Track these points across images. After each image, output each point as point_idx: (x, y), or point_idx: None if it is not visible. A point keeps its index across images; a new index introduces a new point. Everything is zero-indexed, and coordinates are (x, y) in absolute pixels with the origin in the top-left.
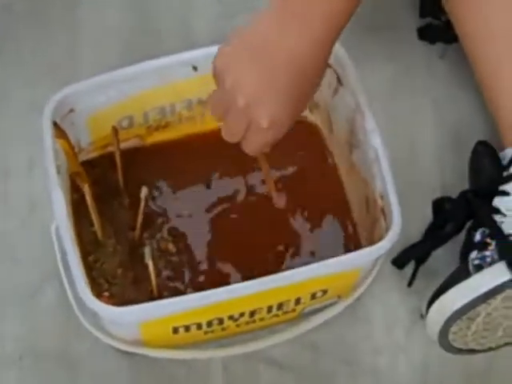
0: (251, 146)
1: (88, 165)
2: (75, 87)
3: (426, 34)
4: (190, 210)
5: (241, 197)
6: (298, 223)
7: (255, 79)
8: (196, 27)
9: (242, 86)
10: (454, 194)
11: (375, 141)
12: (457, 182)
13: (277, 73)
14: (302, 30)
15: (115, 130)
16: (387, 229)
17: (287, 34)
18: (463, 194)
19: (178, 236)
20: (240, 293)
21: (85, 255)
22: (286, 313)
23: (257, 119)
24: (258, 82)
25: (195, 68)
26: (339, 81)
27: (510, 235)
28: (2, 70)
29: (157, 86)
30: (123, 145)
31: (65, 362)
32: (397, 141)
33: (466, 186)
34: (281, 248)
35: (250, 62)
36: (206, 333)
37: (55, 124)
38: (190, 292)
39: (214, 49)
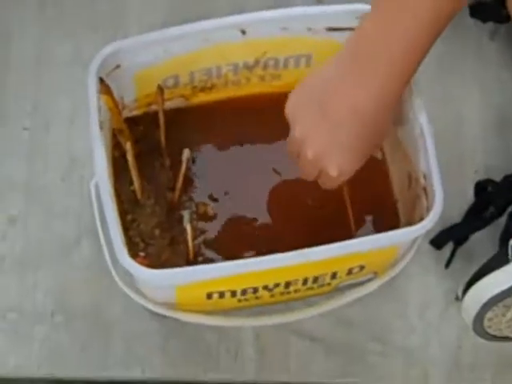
0: (325, 186)
1: (131, 122)
2: (122, 44)
3: (478, 12)
4: (231, 174)
5: (284, 164)
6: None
7: (321, 133)
8: None
9: (309, 139)
10: (498, 177)
11: (422, 118)
12: (501, 165)
13: (342, 127)
14: (367, 84)
15: (161, 89)
16: (428, 208)
17: (352, 81)
18: (507, 177)
19: (217, 200)
20: (276, 264)
21: (123, 214)
22: (321, 286)
23: (326, 169)
24: (324, 136)
25: (243, 32)
26: None
27: None
28: (47, 23)
29: (204, 48)
30: (167, 104)
31: (96, 321)
32: (442, 120)
33: (510, 169)
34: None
35: (316, 114)
36: (239, 301)
37: (101, 80)
38: (226, 259)
39: (262, 14)
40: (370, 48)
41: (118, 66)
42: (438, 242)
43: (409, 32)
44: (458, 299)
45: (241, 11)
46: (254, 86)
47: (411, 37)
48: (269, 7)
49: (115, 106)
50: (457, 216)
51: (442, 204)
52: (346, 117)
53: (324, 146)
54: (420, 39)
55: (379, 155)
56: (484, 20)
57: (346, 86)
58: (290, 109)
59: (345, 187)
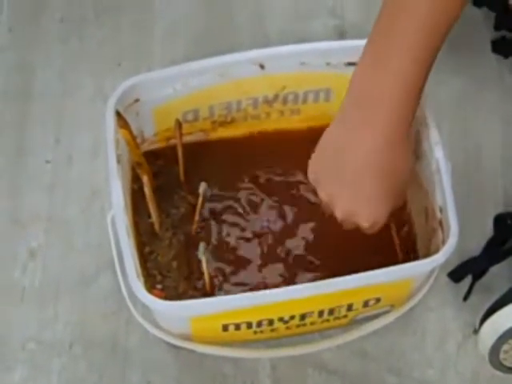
0: (368, 232)
1: (151, 155)
2: (141, 78)
3: (500, 48)
4: (250, 208)
5: (303, 199)
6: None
7: (344, 192)
8: (270, 25)
9: (335, 200)
10: None
11: (438, 154)
12: None
13: (362, 179)
14: (370, 135)
15: (178, 123)
16: (444, 241)
17: (357, 134)
18: None
19: (235, 234)
20: (291, 296)
21: (140, 246)
22: (337, 318)
23: (358, 224)
24: (347, 194)
25: (262, 66)
26: None
27: None
28: (69, 58)
29: (223, 82)
30: (187, 138)
31: (114, 352)
32: (462, 153)
33: None
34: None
35: (335, 174)
36: (255, 332)
37: (118, 113)
38: (243, 291)
39: (281, 49)
40: (368, 93)
41: (137, 100)
42: (456, 274)
43: (403, 73)
44: (476, 332)
45: (263, 45)
46: (274, 121)
47: (406, 77)
48: (290, 40)
49: (133, 140)
50: (476, 249)
51: (457, 237)
52: (363, 168)
53: (350, 204)
54: (415, 76)
55: None
56: (506, 55)
57: (355, 139)
58: (312, 175)
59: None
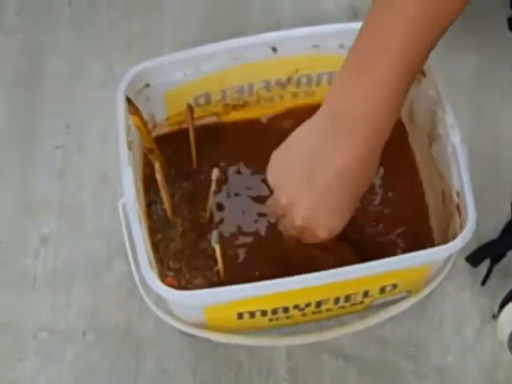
0: (307, 241)
1: (163, 140)
2: (151, 63)
3: None
4: (264, 193)
5: None
6: (374, 211)
7: (308, 199)
8: (282, 7)
9: (296, 205)
10: None
11: (454, 137)
12: None
13: (329, 191)
14: (348, 148)
15: (190, 108)
16: (461, 226)
17: (334, 143)
18: None
19: (250, 220)
20: (306, 284)
21: (153, 233)
22: (353, 305)
23: (314, 232)
24: (311, 202)
25: (274, 49)
26: (422, 72)
27: None
28: (80, 42)
29: (235, 66)
30: (200, 122)
31: (127, 340)
32: (479, 134)
33: None
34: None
35: (302, 180)
36: (270, 320)
37: (128, 100)
38: (257, 279)
39: (293, 32)
40: (345, 111)
41: (147, 85)
42: (474, 259)
43: (384, 89)
44: (495, 317)
45: (275, 28)
46: (287, 103)
47: (387, 93)
48: (303, 22)
49: (144, 126)
50: (494, 233)
51: (475, 222)
52: (332, 181)
53: (312, 214)
54: (393, 93)
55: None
56: None
57: (328, 151)
58: (274, 175)
59: None
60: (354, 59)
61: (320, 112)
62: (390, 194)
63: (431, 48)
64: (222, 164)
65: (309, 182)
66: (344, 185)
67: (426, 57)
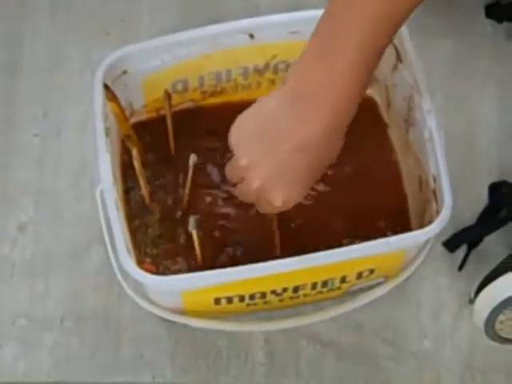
0: (263, 211)
1: (141, 126)
2: (128, 49)
3: (494, 12)
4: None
5: None
6: (351, 197)
7: (268, 167)
8: None
9: (255, 170)
10: None
11: (431, 122)
12: None
13: (288, 159)
14: (311, 125)
15: (167, 94)
16: (438, 211)
17: (297, 121)
18: None
19: (226, 205)
20: (283, 269)
21: (131, 219)
22: (330, 290)
23: (269, 199)
24: (270, 170)
25: (252, 36)
26: (399, 57)
27: None
28: (57, 29)
29: (212, 52)
30: (177, 109)
31: (105, 327)
32: (456, 120)
33: None
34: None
35: (263, 148)
36: (248, 305)
37: (106, 86)
38: (234, 264)
39: (271, 18)
40: (312, 87)
41: (124, 72)
42: (451, 244)
43: (347, 66)
44: (472, 302)
45: (253, 14)
46: (265, 90)
47: (350, 68)
48: (282, 10)
49: (122, 113)
50: (471, 218)
51: (451, 207)
52: (293, 154)
53: (270, 178)
54: (358, 72)
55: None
56: (500, 20)
57: (291, 125)
58: (236, 136)
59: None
60: (317, 45)
61: (285, 89)
62: (367, 179)
63: (394, 32)
64: (200, 148)
65: (269, 149)
66: (303, 159)
67: (388, 41)
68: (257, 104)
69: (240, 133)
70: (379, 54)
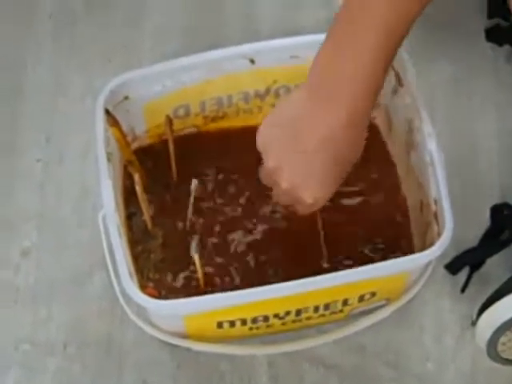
0: (300, 212)
1: (143, 152)
2: (130, 75)
3: (494, 36)
4: (243, 204)
5: None
6: (354, 220)
7: (295, 164)
8: (260, 17)
9: (283, 170)
10: None
11: (431, 145)
12: None
13: (316, 156)
14: (333, 115)
15: (169, 120)
16: (439, 234)
17: (319, 118)
18: None
19: (228, 230)
20: (285, 292)
21: (133, 244)
22: (333, 313)
23: (300, 199)
24: (298, 166)
25: (252, 61)
26: (399, 81)
27: None
28: (60, 55)
29: (213, 77)
30: (179, 133)
31: (108, 352)
32: (457, 143)
33: None
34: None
35: (289, 145)
36: (250, 329)
37: (107, 111)
38: (236, 288)
39: (271, 43)
40: (331, 80)
41: (126, 98)
42: (453, 266)
43: (365, 57)
44: (474, 324)
45: (253, 39)
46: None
47: (368, 61)
48: (282, 34)
49: (123, 138)
50: (473, 240)
51: (452, 230)
52: (318, 146)
53: (298, 176)
54: (376, 61)
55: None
56: (500, 43)
57: (315, 117)
58: (262, 140)
59: (319, 214)
60: (333, 44)
61: (305, 87)
62: (371, 200)
63: (406, 31)
64: (202, 174)
65: (294, 148)
66: (329, 154)
67: (401, 40)
68: (279, 105)
69: (265, 136)
70: (392, 53)
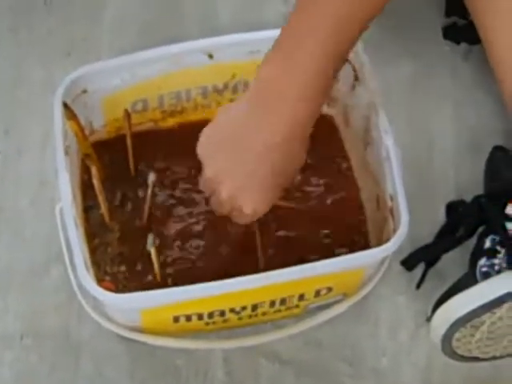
0: (238, 221)
1: (101, 146)
2: (88, 68)
3: (451, 34)
4: (200, 198)
5: None
6: (310, 216)
7: (236, 174)
8: (220, 12)
9: (224, 179)
10: (469, 198)
11: (388, 140)
12: (472, 186)
13: (252, 171)
14: (272, 128)
15: (127, 114)
16: (395, 230)
17: (260, 127)
18: (477, 198)
19: (185, 224)
20: (241, 286)
21: (90, 237)
22: (289, 308)
23: (239, 208)
24: (238, 177)
25: (211, 56)
26: (356, 77)
27: None
28: (19, 48)
29: (171, 72)
30: (137, 128)
31: (65, 344)
32: (414, 140)
33: (481, 190)
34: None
35: (230, 155)
36: (207, 324)
37: (65, 105)
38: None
39: (229, 38)
40: (274, 89)
41: (84, 91)
42: (409, 262)
43: (309, 69)
44: (429, 320)
45: (212, 34)
46: None
47: (312, 72)
48: (240, 29)
49: (81, 131)
50: (428, 237)
51: (408, 226)
52: (257, 159)
53: (238, 187)
54: (321, 72)
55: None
56: (457, 41)
57: (257, 126)
58: (203, 148)
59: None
60: (279, 46)
61: (246, 95)
62: (327, 198)
63: (358, 33)
64: (160, 168)
65: (234, 158)
66: (268, 163)
67: (352, 43)
68: (219, 114)
69: (205, 145)
70: (342, 57)
